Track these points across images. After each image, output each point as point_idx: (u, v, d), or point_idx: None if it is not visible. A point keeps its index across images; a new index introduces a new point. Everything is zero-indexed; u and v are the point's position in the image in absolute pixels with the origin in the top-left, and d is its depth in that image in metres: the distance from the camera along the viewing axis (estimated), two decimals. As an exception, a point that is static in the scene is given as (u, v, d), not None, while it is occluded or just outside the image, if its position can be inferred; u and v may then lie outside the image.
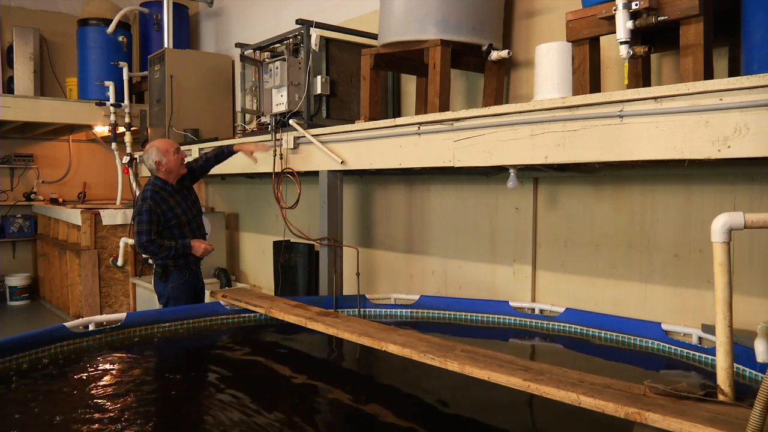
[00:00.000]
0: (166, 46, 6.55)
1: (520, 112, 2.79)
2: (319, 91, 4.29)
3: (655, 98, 2.30)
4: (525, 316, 3.62)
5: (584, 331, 3.37)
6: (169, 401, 2.68)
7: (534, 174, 3.74)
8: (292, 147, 4.22)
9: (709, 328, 2.89)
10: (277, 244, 5.18)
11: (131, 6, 7.44)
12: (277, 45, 4.52)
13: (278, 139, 4.30)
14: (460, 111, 3.06)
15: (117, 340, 3.37)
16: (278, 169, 4.29)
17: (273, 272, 5.24)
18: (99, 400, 2.56)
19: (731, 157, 2.11)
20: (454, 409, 2.62)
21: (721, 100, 2.11)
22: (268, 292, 5.54)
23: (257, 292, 4.25)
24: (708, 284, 2.99)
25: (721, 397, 1.93)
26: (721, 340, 1.92)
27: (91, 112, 7.04)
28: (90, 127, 7.54)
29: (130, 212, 6.28)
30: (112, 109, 6.91)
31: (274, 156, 4.29)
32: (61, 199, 7.93)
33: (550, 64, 2.99)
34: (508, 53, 3.51)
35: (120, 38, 7.18)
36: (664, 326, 3.10)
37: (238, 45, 5.15)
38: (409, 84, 4.66)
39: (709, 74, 2.46)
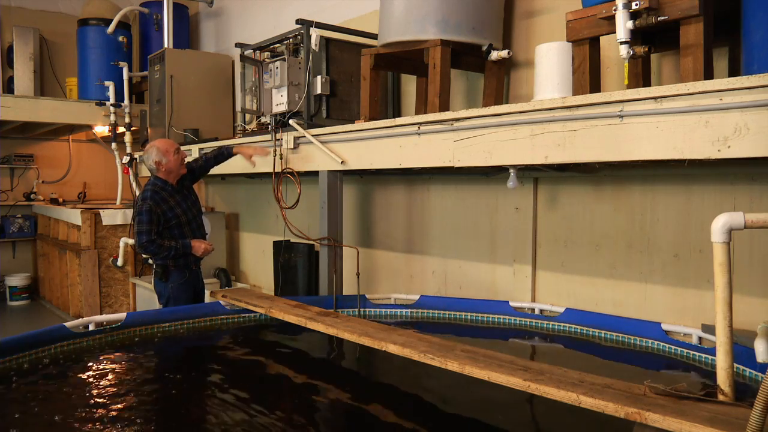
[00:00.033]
0: (166, 46, 6.55)
1: (520, 112, 2.79)
2: (319, 91, 4.29)
3: (655, 98, 2.30)
4: (525, 316, 3.62)
5: (584, 331, 3.37)
6: (169, 401, 2.68)
7: (534, 174, 3.74)
8: (292, 147, 4.22)
9: (709, 328, 2.89)
10: (277, 244, 5.18)
11: (131, 6, 7.44)
12: (277, 45, 4.52)
13: (278, 139, 4.31)
14: (460, 111, 3.06)
15: (117, 340, 3.37)
16: (278, 169, 4.29)
17: (273, 272, 5.24)
18: (99, 400, 2.56)
19: (731, 157, 2.11)
20: (454, 408, 2.62)
21: (721, 100, 2.11)
22: (268, 292, 5.54)
23: (257, 292, 4.25)
24: (708, 284, 2.99)
25: (721, 397, 1.93)
26: (721, 340, 1.92)
27: (91, 112, 7.04)
28: (90, 127, 7.54)
29: (130, 212, 6.28)
30: (112, 109, 6.91)
31: (274, 156, 4.29)
32: (61, 199, 7.93)
33: (550, 64, 2.99)
34: (508, 53, 3.51)
35: (120, 38, 7.18)
36: (664, 326, 3.10)
37: (238, 45, 5.15)
38: (409, 84, 4.66)
39: (709, 74, 2.46)
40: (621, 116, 2.41)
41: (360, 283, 3.98)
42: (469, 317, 3.74)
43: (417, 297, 3.94)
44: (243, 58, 4.86)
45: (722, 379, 1.93)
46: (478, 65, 3.81)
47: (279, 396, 2.77)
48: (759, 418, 1.56)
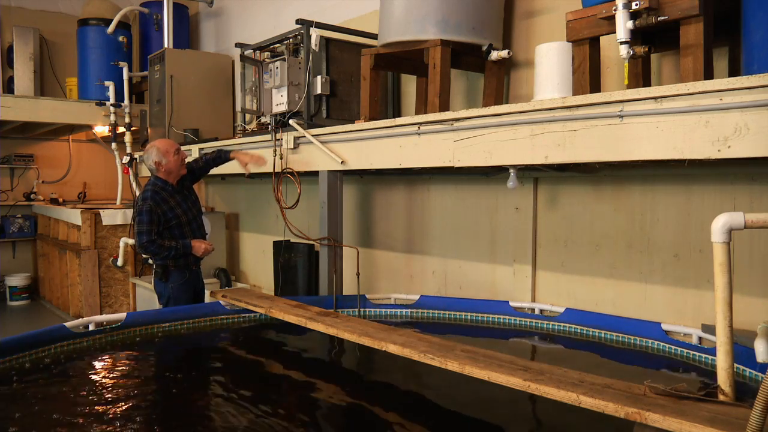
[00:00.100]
0: (166, 46, 6.55)
1: (520, 112, 2.79)
2: (319, 91, 4.29)
3: (655, 98, 2.30)
4: (525, 316, 3.62)
5: (584, 331, 3.37)
6: (169, 400, 2.68)
7: (534, 174, 3.74)
8: (292, 147, 4.22)
9: (709, 328, 2.89)
10: (277, 244, 5.18)
11: (131, 6, 7.43)
12: (277, 45, 4.52)
13: (278, 139, 4.31)
14: (460, 111, 3.06)
15: (117, 340, 3.37)
16: (278, 169, 4.29)
17: (273, 272, 5.24)
18: (99, 400, 2.56)
19: (731, 157, 2.11)
20: (454, 406, 2.62)
21: (721, 100, 2.11)
22: (268, 292, 5.54)
23: (257, 292, 4.25)
24: (708, 284, 3.00)
25: (721, 397, 1.93)
26: (721, 340, 1.92)
27: (91, 112, 7.04)
28: (90, 127, 7.54)
29: (130, 212, 6.28)
30: (112, 109, 6.91)
31: (274, 156, 4.30)
32: (61, 199, 7.93)
33: (550, 64, 2.99)
34: (508, 53, 3.51)
35: (120, 38, 7.17)
36: (664, 326, 3.10)
37: (238, 45, 5.15)
38: (409, 84, 4.66)
39: (709, 74, 2.46)
40: (621, 116, 2.41)
41: (360, 283, 3.98)
42: (469, 317, 3.74)
43: (417, 297, 3.94)
44: (243, 58, 4.86)
45: (722, 379, 1.93)
46: (478, 65, 3.81)
47: (280, 395, 2.77)
48: (759, 418, 1.56)
